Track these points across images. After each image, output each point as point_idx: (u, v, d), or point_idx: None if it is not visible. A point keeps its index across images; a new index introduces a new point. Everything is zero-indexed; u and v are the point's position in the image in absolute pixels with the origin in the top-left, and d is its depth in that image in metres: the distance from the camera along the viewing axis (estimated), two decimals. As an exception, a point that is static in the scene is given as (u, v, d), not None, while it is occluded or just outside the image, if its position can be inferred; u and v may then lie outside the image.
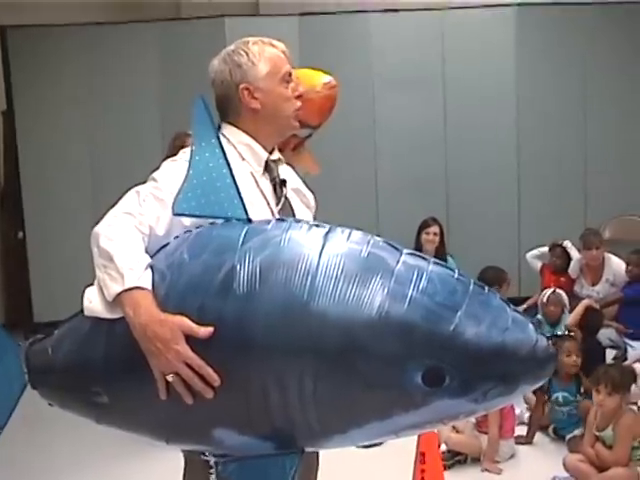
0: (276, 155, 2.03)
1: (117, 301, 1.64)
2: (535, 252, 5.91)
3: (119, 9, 7.44)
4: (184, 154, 1.86)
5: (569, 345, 4.16)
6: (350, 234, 1.65)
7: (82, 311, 1.74)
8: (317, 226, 1.68)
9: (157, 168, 1.89)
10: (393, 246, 1.65)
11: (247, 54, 1.94)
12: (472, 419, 4.09)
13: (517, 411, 4.30)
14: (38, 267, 6.57)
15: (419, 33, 6.40)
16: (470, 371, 1.54)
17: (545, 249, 5.83)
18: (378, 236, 1.68)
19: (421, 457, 3.09)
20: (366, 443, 1.77)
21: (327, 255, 1.59)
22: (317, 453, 2.12)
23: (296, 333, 1.55)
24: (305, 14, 6.50)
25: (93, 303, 1.70)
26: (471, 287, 1.60)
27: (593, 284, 5.62)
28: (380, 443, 1.80)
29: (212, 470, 1.71)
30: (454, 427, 4.10)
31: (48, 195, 6.52)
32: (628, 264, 5.50)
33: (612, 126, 6.50)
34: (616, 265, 5.61)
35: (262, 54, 1.95)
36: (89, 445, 4.15)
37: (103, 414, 1.80)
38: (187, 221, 1.75)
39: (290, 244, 1.62)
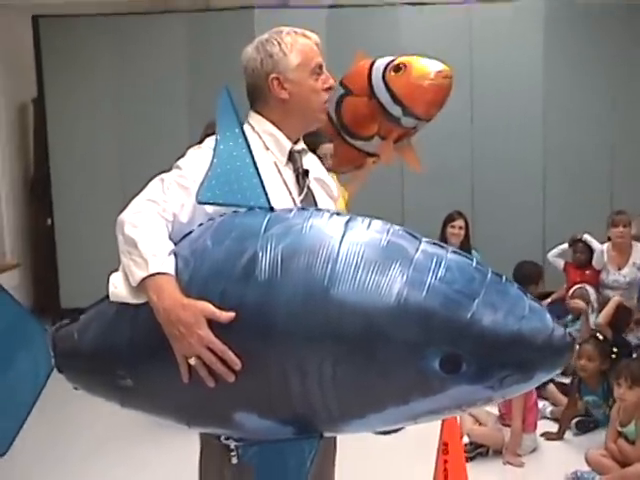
0: (300, 145, 2.04)
1: (141, 286, 1.68)
2: (555, 251, 5.85)
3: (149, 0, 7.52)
4: (209, 142, 1.88)
5: (588, 349, 4.14)
6: (370, 223, 1.68)
7: (107, 296, 1.77)
8: (338, 215, 1.71)
9: (183, 155, 1.92)
10: (412, 235, 1.67)
11: (279, 44, 1.95)
12: (495, 411, 4.10)
13: (540, 405, 4.30)
14: (66, 254, 6.65)
15: (447, 25, 6.40)
16: (487, 358, 1.56)
17: (565, 246, 5.78)
18: (402, 226, 1.69)
19: (444, 447, 3.11)
20: (384, 429, 1.78)
21: (347, 243, 1.61)
22: (334, 440, 2.14)
23: (316, 319, 1.57)
24: (334, 6, 6.52)
25: (118, 289, 1.73)
26: (489, 276, 1.61)
27: (619, 268, 5.51)
28: (398, 430, 1.80)
29: (233, 453, 1.74)
30: (477, 420, 4.11)
31: (77, 182, 6.59)
32: None
33: (639, 119, 6.45)
34: None
35: (294, 45, 1.96)
36: (110, 428, 4.25)
37: (127, 397, 1.84)
38: (210, 209, 1.78)
39: (311, 232, 1.65)
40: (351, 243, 1.62)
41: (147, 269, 1.66)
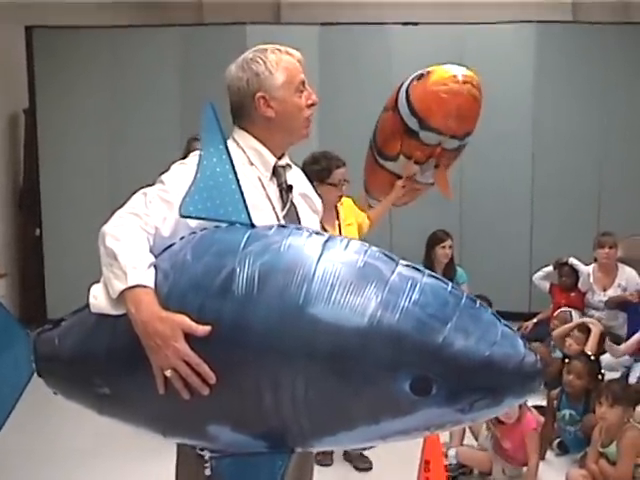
0: (285, 161, 2.07)
1: (120, 298, 1.70)
2: (540, 274, 5.87)
3: (142, 13, 7.52)
4: (193, 157, 1.90)
5: (579, 366, 4.15)
6: (348, 243, 1.70)
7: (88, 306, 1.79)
8: (317, 234, 1.73)
9: (167, 170, 1.95)
10: (389, 257, 1.69)
11: (265, 63, 1.98)
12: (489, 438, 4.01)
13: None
14: (53, 265, 6.63)
15: (438, 47, 6.35)
16: (457, 382, 1.57)
17: (550, 268, 5.80)
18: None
19: (425, 465, 3.11)
20: (355, 446, 1.80)
21: (324, 263, 1.64)
22: (312, 454, 2.16)
23: (290, 336, 1.59)
24: (326, 24, 6.53)
25: (98, 300, 1.75)
26: (463, 300, 1.63)
27: (605, 289, 5.53)
28: (372, 446, 1.82)
29: (207, 464, 1.76)
30: (472, 430, 4.04)
31: (66, 194, 6.57)
32: None
33: (629, 145, 6.48)
34: (629, 271, 5.55)
35: (279, 63, 1.99)
36: (94, 443, 4.22)
37: (104, 405, 1.87)
38: (193, 223, 1.80)
39: (289, 251, 1.67)
40: (328, 263, 1.64)
41: (126, 281, 1.68)
